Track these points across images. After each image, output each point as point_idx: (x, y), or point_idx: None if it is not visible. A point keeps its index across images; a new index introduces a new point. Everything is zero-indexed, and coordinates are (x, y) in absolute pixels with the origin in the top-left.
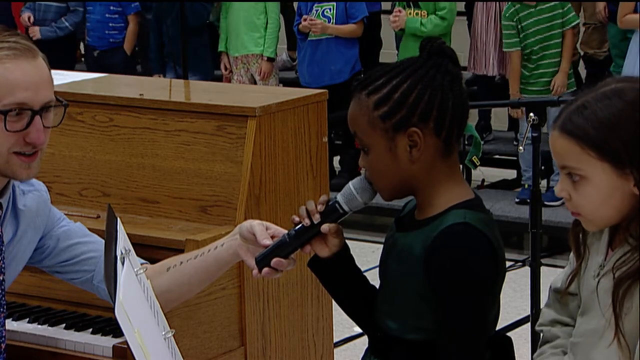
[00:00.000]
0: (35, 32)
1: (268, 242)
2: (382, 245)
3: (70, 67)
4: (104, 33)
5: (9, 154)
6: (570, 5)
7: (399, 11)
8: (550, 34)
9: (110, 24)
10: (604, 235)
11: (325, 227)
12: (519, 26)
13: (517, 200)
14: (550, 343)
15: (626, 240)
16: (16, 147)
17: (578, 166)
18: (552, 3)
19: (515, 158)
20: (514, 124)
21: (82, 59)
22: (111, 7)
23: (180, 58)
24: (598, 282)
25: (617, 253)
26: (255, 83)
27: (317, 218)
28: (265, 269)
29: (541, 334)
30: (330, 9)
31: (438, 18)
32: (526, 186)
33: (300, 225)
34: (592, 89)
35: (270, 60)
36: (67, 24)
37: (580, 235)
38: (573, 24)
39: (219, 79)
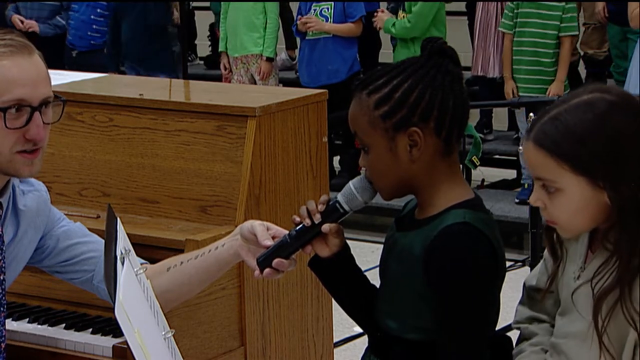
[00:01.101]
0: (33, 25)
1: (269, 242)
2: (382, 245)
3: (61, 67)
4: (85, 34)
5: (11, 154)
6: (574, 14)
7: (381, 11)
8: (545, 32)
9: (94, 26)
10: (582, 237)
11: (326, 227)
12: (515, 11)
13: (516, 200)
14: (528, 341)
15: (604, 246)
16: (18, 146)
17: (553, 179)
18: (553, 4)
19: (515, 158)
20: (514, 124)
21: None
22: (98, 10)
23: (138, 58)
24: (578, 286)
25: (596, 258)
26: (255, 83)
27: (317, 218)
28: (267, 270)
29: (519, 332)
30: (327, 9)
31: (407, 21)
32: (526, 186)
33: (301, 225)
34: (565, 98)
35: (270, 60)
36: (63, 22)
37: (555, 237)
38: (571, 33)
39: (210, 77)
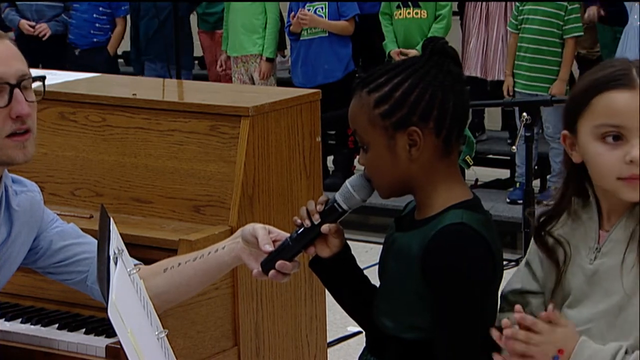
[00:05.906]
0: (45, 29)
1: (269, 248)
2: (376, 245)
3: (63, 65)
4: (88, 32)
5: (2, 140)
6: (578, 15)
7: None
8: (549, 30)
9: (97, 24)
10: (588, 224)
11: (325, 228)
12: (521, 8)
13: (508, 200)
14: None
15: None
16: (7, 128)
17: None
18: (557, 3)
19: (508, 158)
20: (507, 124)
21: None
22: (100, 8)
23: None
24: (599, 265)
25: (617, 230)
26: (254, 83)
27: (316, 219)
28: (272, 272)
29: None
30: (322, 8)
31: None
32: (518, 185)
33: (302, 227)
34: None
35: (270, 60)
36: (68, 19)
37: (549, 239)
38: (574, 34)
39: (204, 77)
